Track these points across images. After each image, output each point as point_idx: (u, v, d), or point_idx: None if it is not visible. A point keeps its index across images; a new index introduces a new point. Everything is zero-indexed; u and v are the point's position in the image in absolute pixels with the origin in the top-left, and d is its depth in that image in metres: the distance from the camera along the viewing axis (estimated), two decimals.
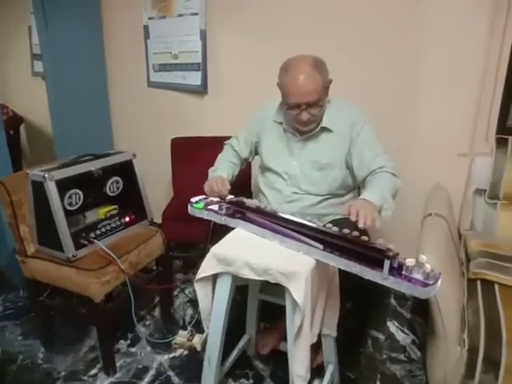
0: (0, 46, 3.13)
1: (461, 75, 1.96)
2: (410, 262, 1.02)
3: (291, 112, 1.51)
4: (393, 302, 2.18)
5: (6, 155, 2.24)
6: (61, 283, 1.65)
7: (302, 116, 1.48)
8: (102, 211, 1.73)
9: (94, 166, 1.67)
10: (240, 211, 1.37)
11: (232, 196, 1.46)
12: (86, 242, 1.61)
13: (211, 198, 1.46)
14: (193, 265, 2.37)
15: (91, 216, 1.71)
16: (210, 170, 1.68)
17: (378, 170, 1.49)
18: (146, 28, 2.60)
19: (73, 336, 1.92)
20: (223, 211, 1.37)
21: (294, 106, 1.48)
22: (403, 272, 1.02)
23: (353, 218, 1.18)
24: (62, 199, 1.53)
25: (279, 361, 1.65)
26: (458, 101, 2.00)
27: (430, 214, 1.67)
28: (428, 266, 1.01)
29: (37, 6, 2.32)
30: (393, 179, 1.47)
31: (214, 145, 1.87)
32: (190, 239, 2.22)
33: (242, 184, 2.19)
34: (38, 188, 1.51)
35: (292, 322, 1.19)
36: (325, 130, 1.57)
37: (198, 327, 1.62)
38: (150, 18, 2.56)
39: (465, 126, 2.01)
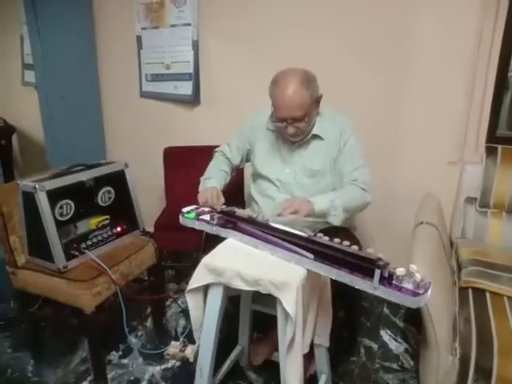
0: None
1: (450, 84, 1.99)
2: (400, 271, 1.02)
3: (278, 124, 1.54)
4: (386, 310, 2.18)
5: None
6: (51, 294, 1.63)
7: (288, 130, 1.51)
8: (93, 221, 1.72)
9: (85, 176, 1.66)
10: (231, 221, 1.37)
11: (224, 206, 1.46)
12: (76, 253, 1.60)
13: (203, 208, 1.46)
14: (185, 274, 2.37)
15: (82, 226, 1.70)
16: (202, 179, 1.69)
17: (351, 181, 1.53)
18: (138, 38, 2.61)
19: (63, 348, 1.90)
20: (215, 221, 1.37)
21: (281, 120, 1.50)
22: (393, 281, 1.02)
23: (280, 211, 1.36)
24: (52, 210, 1.52)
25: (272, 371, 1.63)
26: (447, 110, 2.02)
27: (422, 223, 1.67)
28: (418, 276, 1.01)
29: (29, 16, 2.33)
30: (359, 193, 1.51)
31: (207, 154, 1.87)
32: (183, 249, 2.21)
33: (235, 193, 2.19)
34: (29, 199, 1.50)
35: (284, 332, 1.18)
36: (316, 137, 1.59)
37: (191, 338, 1.61)
38: (142, 29, 2.58)
39: (455, 135, 2.03)
